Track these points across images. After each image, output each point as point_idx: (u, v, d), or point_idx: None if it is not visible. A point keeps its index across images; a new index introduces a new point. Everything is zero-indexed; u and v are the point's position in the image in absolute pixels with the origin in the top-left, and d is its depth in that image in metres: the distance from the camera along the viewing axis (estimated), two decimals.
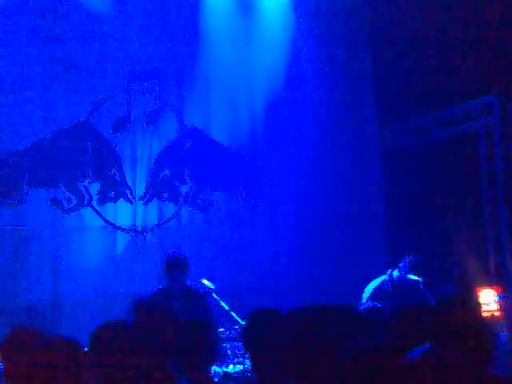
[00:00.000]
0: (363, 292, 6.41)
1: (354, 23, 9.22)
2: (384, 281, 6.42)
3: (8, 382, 2.79)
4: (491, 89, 8.32)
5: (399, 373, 2.26)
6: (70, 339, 2.61)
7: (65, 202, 7.32)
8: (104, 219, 7.57)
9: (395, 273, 6.43)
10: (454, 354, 2.70)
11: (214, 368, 5.18)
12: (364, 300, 6.21)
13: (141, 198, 7.81)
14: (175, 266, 5.64)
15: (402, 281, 6.37)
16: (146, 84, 7.93)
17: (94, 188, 7.54)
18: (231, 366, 5.37)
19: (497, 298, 7.35)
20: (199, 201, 8.16)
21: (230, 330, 5.90)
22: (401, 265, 6.44)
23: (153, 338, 2.69)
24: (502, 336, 5.97)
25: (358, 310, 3.91)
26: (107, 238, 7.57)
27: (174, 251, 6.03)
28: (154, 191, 7.90)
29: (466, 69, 8.18)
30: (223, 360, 5.52)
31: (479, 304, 4.21)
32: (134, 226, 7.73)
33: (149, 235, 7.80)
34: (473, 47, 8.13)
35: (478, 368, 2.64)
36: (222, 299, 5.86)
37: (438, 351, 2.56)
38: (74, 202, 7.39)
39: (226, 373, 5.19)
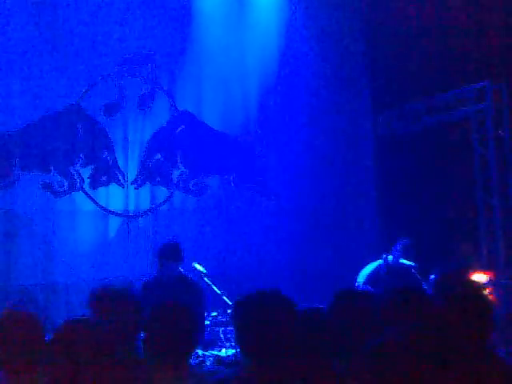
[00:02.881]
0: (357, 277, 6.40)
1: (347, 10, 9.16)
2: (379, 265, 6.40)
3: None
4: (484, 74, 8.31)
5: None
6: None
7: (56, 186, 7.29)
8: (96, 203, 7.55)
9: (390, 257, 6.42)
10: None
11: (205, 352, 5.19)
12: (360, 284, 6.21)
13: (133, 182, 7.78)
14: (170, 254, 5.60)
15: (395, 265, 6.36)
16: (138, 68, 7.87)
17: (86, 172, 7.51)
18: (223, 350, 5.36)
19: (488, 283, 7.37)
20: (192, 185, 8.14)
21: (222, 314, 5.90)
22: (394, 249, 6.42)
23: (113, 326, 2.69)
24: None
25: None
26: (99, 222, 7.56)
27: (169, 239, 6.00)
28: (147, 175, 7.87)
29: (459, 54, 8.16)
30: (215, 344, 5.53)
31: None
32: (126, 210, 7.72)
33: (141, 219, 7.79)
34: (466, 33, 8.10)
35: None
36: (214, 283, 5.86)
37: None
38: (66, 185, 7.37)
39: (217, 357, 5.19)
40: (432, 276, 4.91)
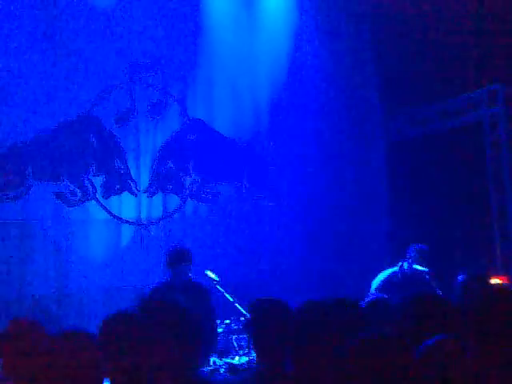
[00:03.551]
0: (371, 284, 6.34)
1: (356, 14, 9.16)
2: (394, 272, 6.34)
3: (7, 376, 2.77)
4: (496, 77, 8.26)
5: (407, 366, 2.20)
6: (82, 333, 2.57)
7: (69, 195, 7.30)
8: (109, 212, 7.56)
9: (405, 265, 6.36)
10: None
11: (215, 360, 5.18)
12: (373, 291, 6.15)
13: (145, 191, 7.80)
14: (179, 260, 5.61)
15: (410, 272, 6.31)
16: (150, 76, 7.90)
17: (99, 181, 7.52)
18: (237, 358, 5.35)
19: None
20: (203, 193, 8.15)
21: (235, 322, 5.89)
22: (409, 255, 6.36)
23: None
24: None
25: (360, 302, 3.85)
26: (112, 231, 7.57)
27: (177, 245, 6.01)
28: (159, 183, 7.88)
29: (471, 57, 8.13)
30: (229, 352, 5.51)
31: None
32: (139, 218, 7.73)
33: (153, 228, 7.79)
34: (477, 35, 8.07)
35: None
36: (226, 291, 5.84)
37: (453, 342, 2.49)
38: (79, 195, 7.38)
39: (231, 364, 5.17)
40: (459, 277, 4.84)
